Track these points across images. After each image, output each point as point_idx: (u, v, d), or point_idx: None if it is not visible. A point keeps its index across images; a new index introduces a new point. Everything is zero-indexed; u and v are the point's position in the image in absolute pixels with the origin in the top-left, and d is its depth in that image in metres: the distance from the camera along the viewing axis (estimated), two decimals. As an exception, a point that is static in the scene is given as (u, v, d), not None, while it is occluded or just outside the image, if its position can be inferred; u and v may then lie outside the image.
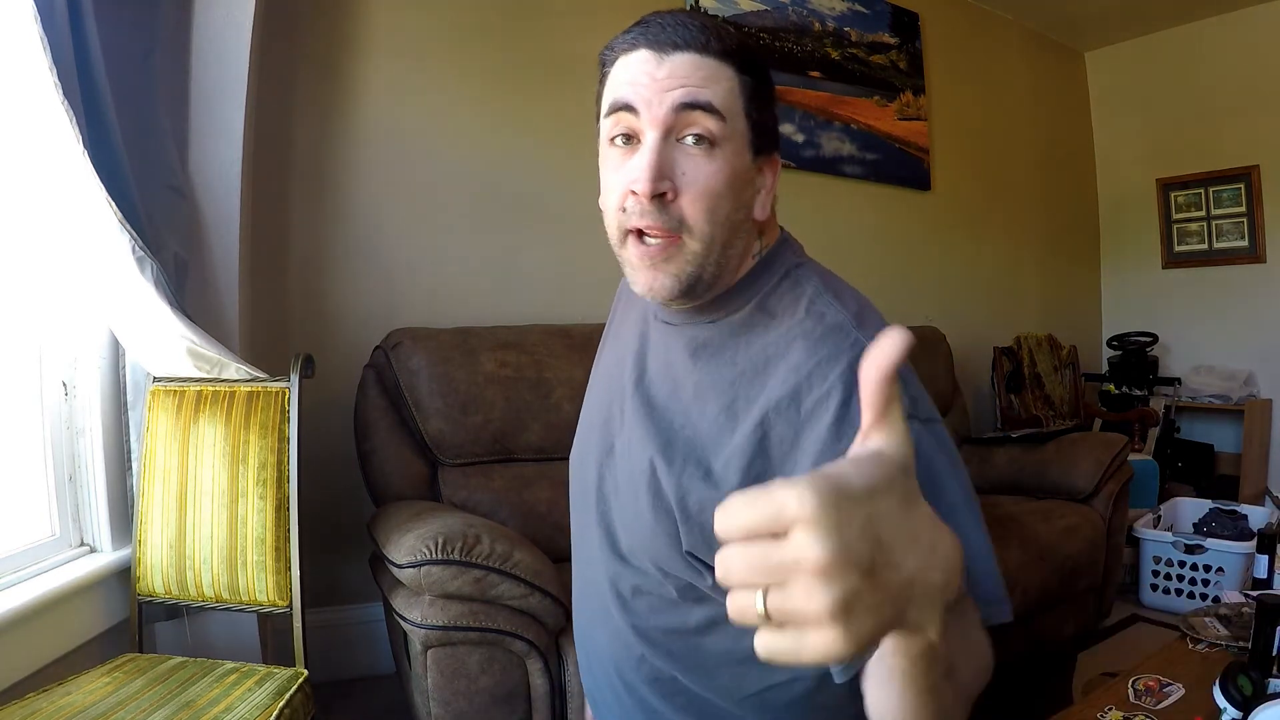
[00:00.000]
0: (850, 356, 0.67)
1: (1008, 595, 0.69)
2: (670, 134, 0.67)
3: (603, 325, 1.00)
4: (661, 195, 0.67)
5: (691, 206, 0.67)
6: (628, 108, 0.68)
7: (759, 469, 0.68)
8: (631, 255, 0.70)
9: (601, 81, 0.73)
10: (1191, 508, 2.84)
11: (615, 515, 0.80)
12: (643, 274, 0.70)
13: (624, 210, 0.69)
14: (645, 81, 0.67)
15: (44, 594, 1.27)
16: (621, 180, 0.69)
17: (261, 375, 1.45)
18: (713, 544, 0.69)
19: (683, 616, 0.76)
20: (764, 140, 0.72)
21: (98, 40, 1.25)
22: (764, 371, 0.71)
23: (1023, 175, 3.88)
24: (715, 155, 0.68)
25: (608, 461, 0.82)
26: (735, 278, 0.75)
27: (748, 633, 0.78)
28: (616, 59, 0.71)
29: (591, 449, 0.85)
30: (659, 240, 0.68)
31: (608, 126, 0.70)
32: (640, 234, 0.68)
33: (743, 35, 0.71)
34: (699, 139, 0.67)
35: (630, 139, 0.69)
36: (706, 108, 0.66)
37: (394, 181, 2.15)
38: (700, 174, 0.67)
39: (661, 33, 0.68)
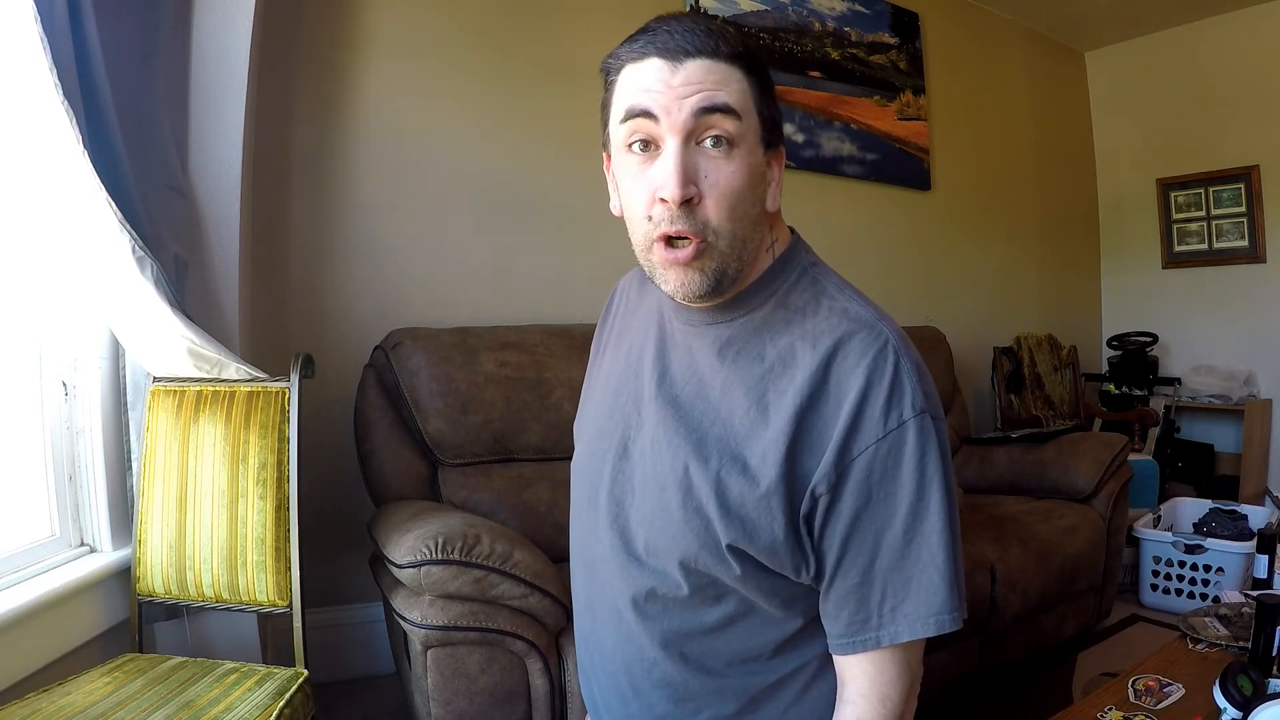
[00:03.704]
0: (877, 347, 0.72)
1: (961, 604, 0.71)
2: (690, 138, 0.69)
3: None
4: (689, 200, 0.69)
5: (716, 208, 0.70)
6: (646, 114, 0.69)
7: (795, 458, 0.71)
8: (662, 259, 0.72)
9: (608, 89, 0.75)
10: (1191, 508, 2.84)
11: (632, 515, 0.80)
12: (673, 274, 0.72)
13: (650, 219, 0.71)
14: (661, 89, 0.69)
15: (44, 594, 1.27)
16: (645, 187, 0.71)
17: (261, 375, 1.45)
18: (753, 535, 0.72)
19: (699, 617, 0.78)
20: (772, 134, 0.75)
21: (98, 40, 1.25)
22: (792, 365, 0.74)
23: (1023, 175, 3.88)
24: (734, 155, 0.70)
25: (621, 464, 0.82)
26: (754, 274, 0.77)
27: (759, 630, 0.80)
28: (624, 67, 0.72)
29: (602, 453, 0.85)
30: (689, 244, 0.70)
31: (624, 133, 0.72)
32: (668, 240, 0.71)
33: (742, 35, 0.74)
34: (718, 141, 0.69)
35: (649, 145, 0.71)
36: (724, 109, 0.69)
37: (394, 181, 2.15)
38: (722, 175, 0.70)
39: (671, 40, 0.69)
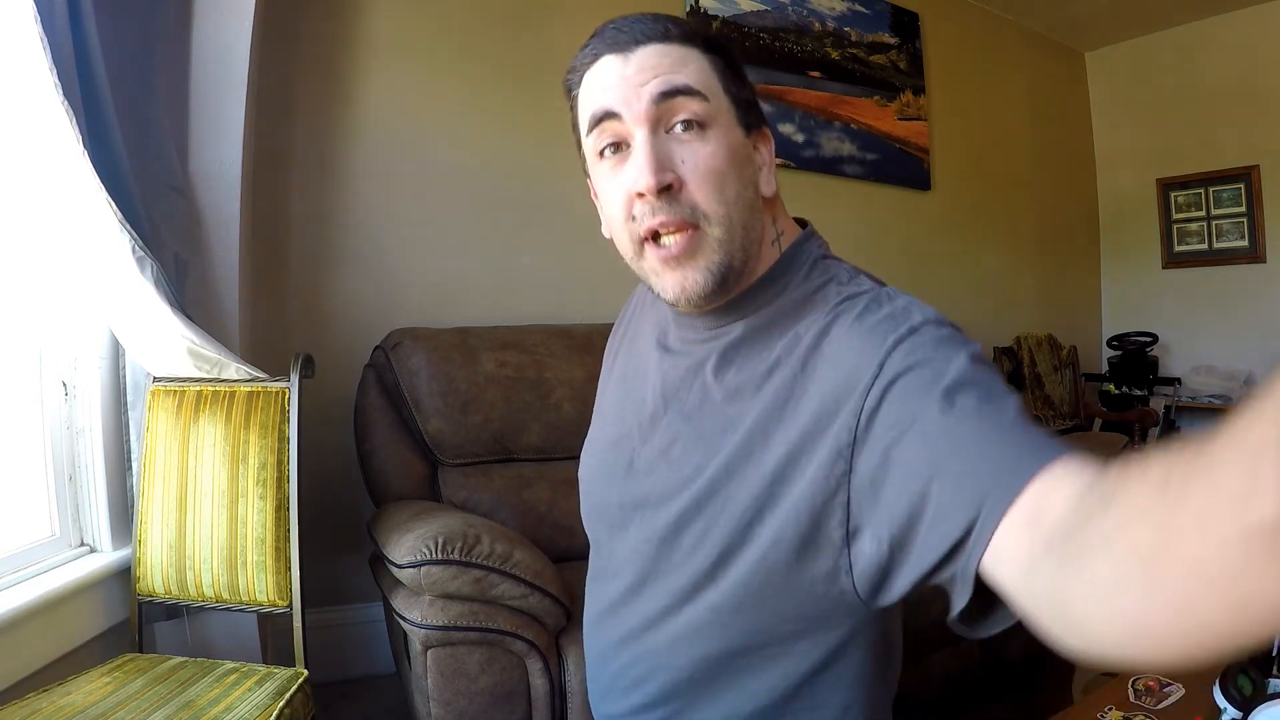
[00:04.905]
0: (878, 305, 0.65)
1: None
2: (658, 126, 0.65)
3: (603, 324, 0.99)
4: (668, 188, 0.64)
5: (700, 191, 0.65)
6: (609, 114, 0.66)
7: (793, 435, 0.63)
8: (653, 262, 0.67)
9: (573, 107, 0.71)
10: (1191, 508, 2.84)
11: (640, 530, 0.76)
12: (670, 277, 0.66)
13: (633, 218, 0.66)
14: (617, 83, 0.65)
15: (44, 594, 1.27)
16: (621, 188, 0.66)
17: (261, 375, 1.45)
18: (755, 536, 0.64)
19: (704, 646, 0.72)
20: (750, 115, 0.71)
21: (98, 40, 1.25)
22: (796, 349, 0.66)
23: (1023, 175, 3.89)
24: (708, 136, 0.65)
25: (628, 478, 0.78)
26: (759, 269, 0.71)
27: (769, 664, 0.72)
28: (582, 78, 0.69)
29: (610, 465, 0.81)
30: (677, 237, 0.65)
31: (592, 142, 0.68)
32: (655, 237, 0.66)
33: (699, 21, 0.71)
34: (688, 124, 0.65)
35: (619, 147, 0.67)
36: (686, 91, 0.65)
37: (394, 181, 2.15)
38: (699, 157, 0.65)
39: (619, 34, 0.66)
